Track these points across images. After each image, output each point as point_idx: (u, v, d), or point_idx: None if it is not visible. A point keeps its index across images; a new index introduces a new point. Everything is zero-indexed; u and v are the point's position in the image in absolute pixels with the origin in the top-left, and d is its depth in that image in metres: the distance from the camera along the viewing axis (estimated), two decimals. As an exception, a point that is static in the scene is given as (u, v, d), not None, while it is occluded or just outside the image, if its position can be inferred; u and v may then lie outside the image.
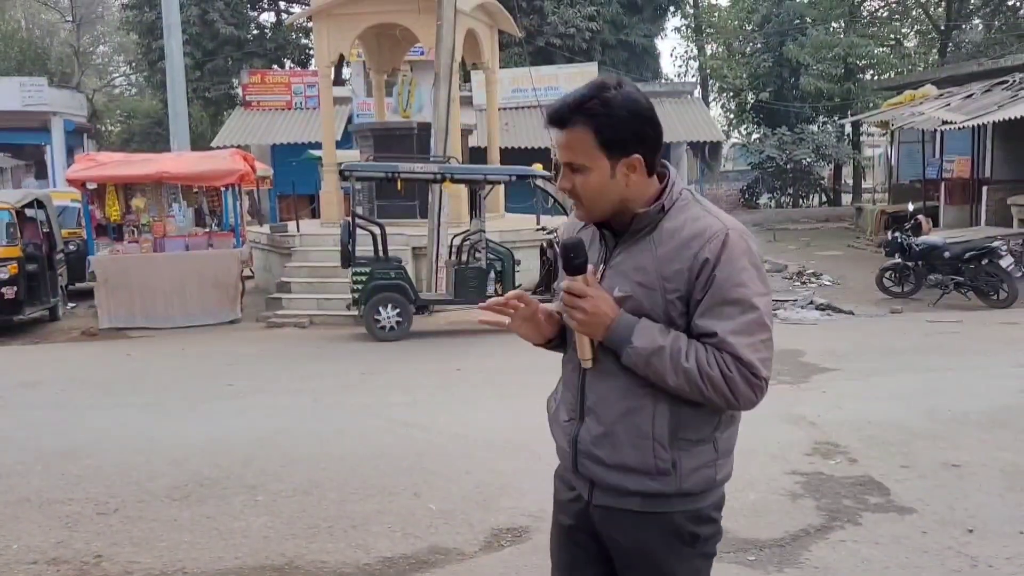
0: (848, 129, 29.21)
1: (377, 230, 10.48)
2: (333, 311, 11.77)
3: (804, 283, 14.29)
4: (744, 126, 35.28)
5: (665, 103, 24.50)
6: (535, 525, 4.42)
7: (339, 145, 16.67)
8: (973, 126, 14.64)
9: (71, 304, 13.79)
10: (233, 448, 5.96)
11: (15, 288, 11.20)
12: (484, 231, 10.61)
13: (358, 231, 10.47)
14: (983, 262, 11.24)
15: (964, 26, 30.78)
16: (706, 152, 26.27)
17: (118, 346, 10.88)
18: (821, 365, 8.16)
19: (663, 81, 30.76)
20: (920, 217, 12.80)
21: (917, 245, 11.85)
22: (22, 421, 7.06)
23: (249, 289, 13.31)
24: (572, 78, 24.41)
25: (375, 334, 10.28)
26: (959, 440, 5.67)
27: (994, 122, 14.11)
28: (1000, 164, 16.97)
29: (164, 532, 4.51)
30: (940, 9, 30.26)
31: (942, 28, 29.43)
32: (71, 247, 13.90)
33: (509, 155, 19.47)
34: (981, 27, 31.58)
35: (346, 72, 26.81)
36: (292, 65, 30.47)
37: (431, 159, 11.52)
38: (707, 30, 35.39)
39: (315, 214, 17.58)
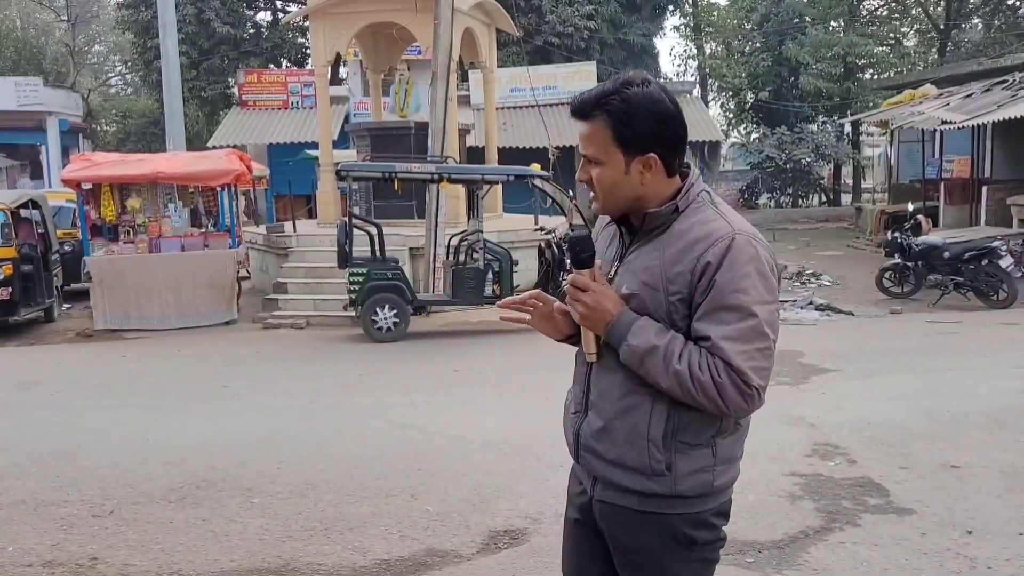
0: (847, 129, 29.21)
1: (374, 230, 10.45)
2: (330, 312, 11.74)
3: (804, 283, 14.28)
4: (743, 126, 35.27)
5: (663, 103, 24.43)
6: (532, 527, 4.40)
7: (336, 145, 16.64)
8: (973, 126, 14.63)
9: (66, 305, 13.75)
10: (229, 450, 5.93)
11: (10, 289, 11.17)
12: (482, 231, 10.59)
13: (355, 231, 10.45)
14: (983, 262, 11.23)
15: (964, 25, 30.80)
16: (705, 152, 26.23)
17: (114, 347, 10.85)
18: (820, 366, 8.14)
19: (662, 80, 30.72)
20: (920, 217, 12.79)
21: (917, 245, 11.83)
22: (17, 423, 7.03)
23: (245, 290, 13.27)
24: (570, 77, 24.46)
25: (372, 335, 10.25)
26: (958, 441, 5.65)
27: (994, 122, 14.10)
28: (1000, 164, 16.96)
29: (160, 534, 4.48)
30: (940, 8, 30.28)
31: (942, 27, 29.44)
32: (66, 248, 13.85)
33: (507, 155, 19.45)
34: (981, 26, 31.60)
35: (343, 71, 26.80)
36: (289, 64, 30.41)
37: (428, 159, 11.50)
38: (706, 29, 35.37)
39: (312, 214, 17.54)
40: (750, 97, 32.87)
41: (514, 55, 23.80)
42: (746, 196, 30.01)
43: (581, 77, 24.21)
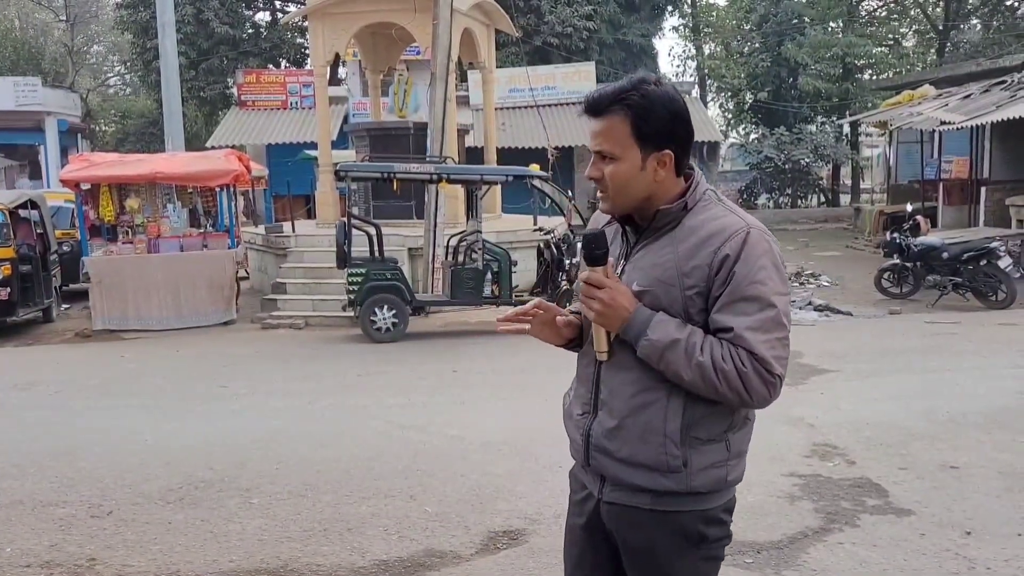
0: (846, 129, 29.22)
1: (373, 231, 10.45)
2: (329, 312, 11.74)
3: (802, 284, 14.28)
4: (742, 126, 35.28)
5: (662, 103, 24.43)
6: (531, 528, 4.40)
7: (335, 145, 16.62)
8: (971, 126, 14.63)
9: (65, 305, 13.74)
10: (228, 450, 5.93)
11: (8, 289, 11.16)
12: (481, 232, 10.58)
13: (354, 232, 10.44)
14: (981, 263, 11.23)
15: (962, 26, 30.82)
16: (704, 152, 26.23)
17: (112, 347, 10.84)
18: (819, 366, 8.14)
19: (661, 81, 30.70)
20: (919, 217, 12.79)
21: (915, 246, 11.83)
22: (15, 423, 7.02)
23: (244, 290, 13.26)
24: (569, 78, 24.47)
25: (371, 335, 10.25)
26: (957, 441, 5.65)
27: (992, 122, 14.11)
28: (998, 164, 16.97)
29: (158, 535, 4.48)
30: (938, 9, 30.30)
31: (940, 28, 29.47)
32: (65, 248, 13.84)
33: (506, 155, 19.45)
34: (979, 27, 31.63)
35: (342, 72, 26.78)
36: (288, 65, 30.41)
37: (427, 159, 11.49)
38: (705, 29, 35.38)
39: (311, 215, 17.53)
40: (749, 97, 32.87)
41: (513, 55, 23.80)
42: (745, 196, 29.98)
43: (580, 77, 24.24)
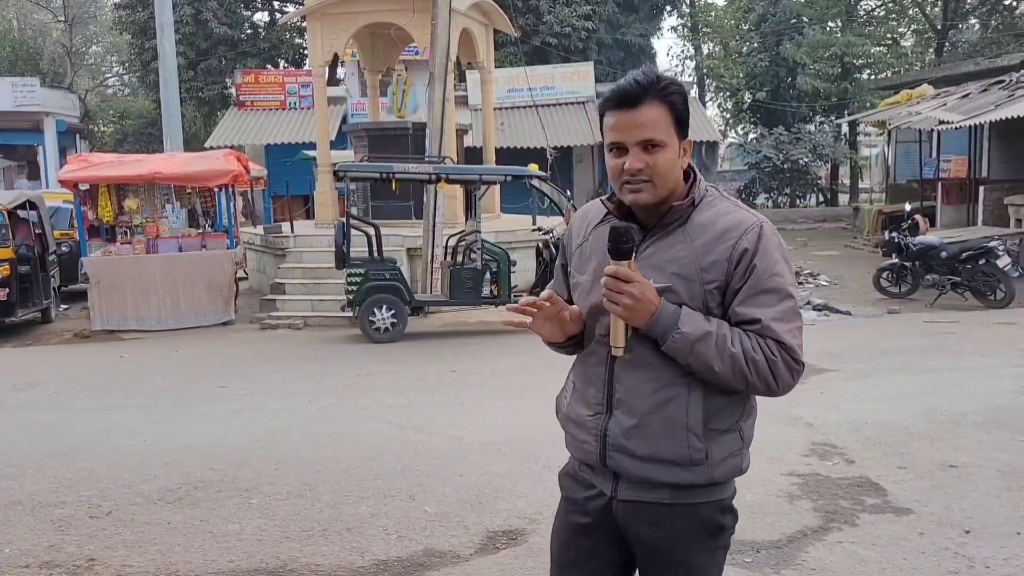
0: (845, 129, 29.24)
1: (372, 231, 10.45)
2: (327, 312, 11.74)
3: (801, 283, 14.28)
4: (741, 126, 35.32)
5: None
6: (530, 527, 4.39)
7: (334, 145, 16.62)
8: (970, 126, 14.64)
9: (64, 306, 13.74)
10: (226, 450, 5.92)
11: (7, 290, 11.15)
12: (480, 232, 10.58)
13: (353, 232, 10.44)
14: (980, 262, 11.23)
15: (961, 25, 30.84)
16: (703, 152, 26.23)
17: (111, 348, 10.83)
18: (818, 366, 8.14)
19: (659, 81, 30.71)
20: (917, 217, 12.79)
21: (914, 245, 11.84)
22: (14, 424, 7.01)
23: (243, 290, 13.26)
24: (568, 78, 24.47)
25: (370, 336, 10.25)
26: (956, 441, 5.65)
27: (991, 122, 14.12)
28: (997, 164, 16.99)
29: (157, 535, 4.47)
30: (937, 8, 30.31)
31: (939, 27, 29.48)
32: (64, 248, 13.84)
33: (505, 155, 19.44)
34: (978, 26, 31.65)
35: (341, 72, 26.75)
36: (286, 65, 30.42)
37: (426, 159, 11.49)
38: (703, 29, 35.42)
39: (309, 215, 17.52)
40: (748, 97, 32.91)
41: (512, 55, 23.81)
42: (744, 196, 29.98)
43: (579, 77, 24.25)
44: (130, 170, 12.29)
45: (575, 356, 2.16)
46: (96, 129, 36.87)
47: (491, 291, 10.46)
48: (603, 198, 2.10)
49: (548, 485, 4.88)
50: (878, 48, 30.48)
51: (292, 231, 13.87)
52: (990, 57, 21.98)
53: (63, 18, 35.94)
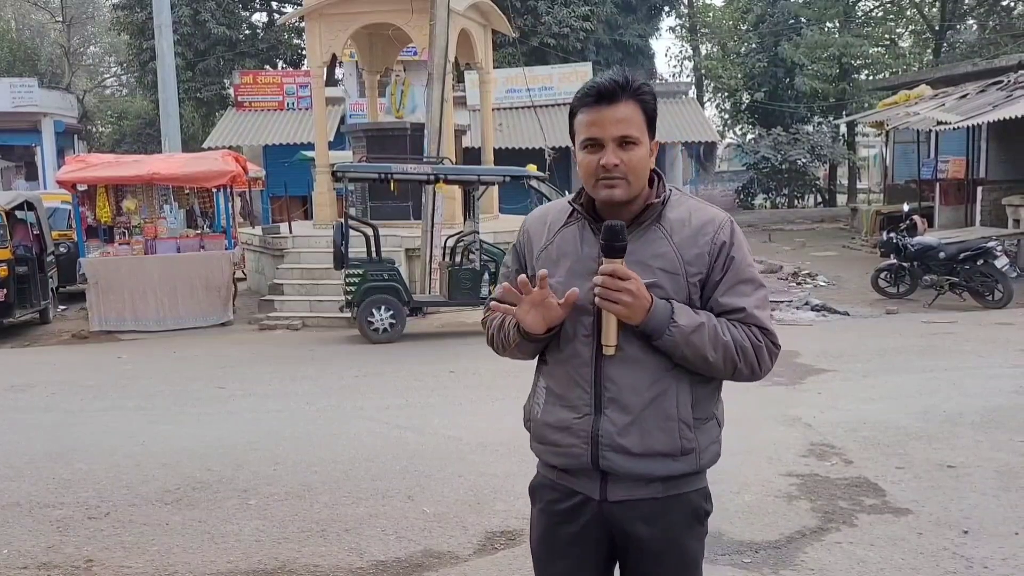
0: (843, 129, 29.27)
1: (370, 231, 10.45)
2: (326, 313, 11.73)
3: (799, 284, 14.29)
4: (739, 126, 35.32)
5: (660, 103, 23.98)
6: (529, 528, 4.39)
7: (332, 146, 16.62)
8: (968, 126, 14.65)
9: (62, 307, 13.73)
10: (225, 451, 5.91)
11: (5, 291, 11.15)
12: (478, 232, 10.58)
13: (351, 232, 10.43)
14: (978, 262, 11.25)
15: (959, 26, 30.87)
16: (701, 153, 26.29)
17: (109, 349, 10.82)
18: (816, 366, 8.15)
19: (658, 81, 30.78)
20: (915, 217, 12.81)
21: (912, 246, 11.86)
22: (12, 424, 7.01)
23: (241, 291, 13.26)
24: (566, 78, 24.47)
25: (368, 336, 10.25)
26: (954, 441, 5.65)
27: (989, 122, 14.13)
28: (995, 164, 17.00)
29: (155, 536, 4.47)
30: (935, 9, 30.33)
31: (937, 28, 29.50)
32: (62, 249, 13.83)
33: (503, 156, 19.45)
34: (975, 27, 31.68)
35: (339, 73, 26.77)
36: (284, 65, 30.42)
37: (424, 160, 11.49)
38: (702, 30, 35.46)
39: (308, 215, 17.53)
40: (746, 98, 32.94)
41: (510, 56, 23.79)
42: (742, 197, 30.03)
43: (577, 78, 24.24)
44: (128, 171, 12.29)
45: (533, 362, 2.16)
46: (94, 130, 36.88)
47: (490, 292, 10.45)
48: (569, 198, 2.10)
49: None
50: (876, 49, 30.50)
51: (290, 232, 13.87)
52: (988, 58, 22.01)
53: (61, 18, 35.92)
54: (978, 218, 15.97)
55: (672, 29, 36.89)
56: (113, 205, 12.30)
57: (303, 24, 16.96)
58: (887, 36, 32.08)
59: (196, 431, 6.55)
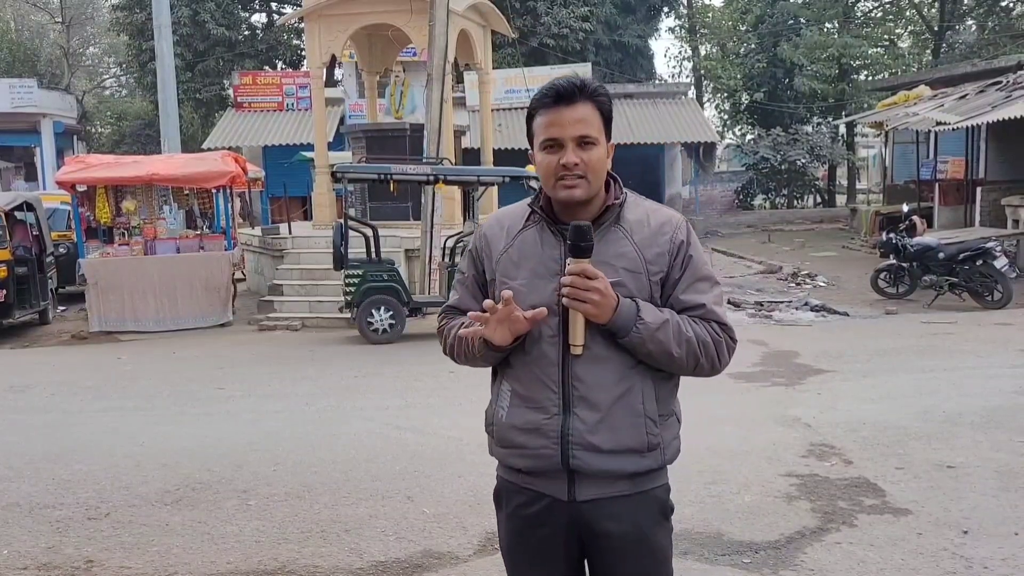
0: (842, 130, 29.26)
1: (369, 232, 10.44)
2: (325, 314, 11.73)
3: (799, 284, 14.30)
4: (738, 127, 35.29)
5: (659, 104, 24.48)
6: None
7: (331, 146, 16.62)
8: (967, 127, 14.66)
9: (61, 307, 13.73)
10: (224, 452, 5.91)
11: (4, 291, 11.15)
12: (478, 232, 10.56)
13: (350, 233, 10.43)
14: (977, 263, 11.25)
15: (958, 27, 30.89)
16: (700, 153, 26.24)
17: (108, 349, 10.82)
18: (816, 366, 8.15)
19: (657, 82, 30.78)
20: (915, 218, 12.81)
21: (912, 246, 11.86)
22: (11, 425, 7.01)
23: (240, 292, 13.26)
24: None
25: (368, 337, 10.25)
26: (954, 441, 5.65)
27: (988, 123, 14.14)
28: (994, 165, 17.01)
29: (155, 537, 4.47)
30: (934, 10, 30.34)
31: (936, 29, 29.51)
32: (61, 250, 13.83)
33: (502, 156, 19.44)
34: (975, 28, 31.69)
35: (338, 73, 26.76)
36: (284, 66, 30.41)
37: (424, 160, 11.49)
38: (701, 30, 35.46)
39: (307, 216, 17.53)
40: (745, 98, 32.92)
41: (509, 57, 23.81)
42: (741, 197, 30.03)
43: (576, 78, 24.22)
44: (128, 171, 12.29)
45: (489, 368, 2.16)
46: (93, 130, 36.86)
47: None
48: (528, 201, 2.11)
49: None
50: (875, 49, 30.48)
51: (290, 232, 13.87)
52: (987, 58, 22.02)
53: (60, 19, 35.91)
54: (977, 218, 15.98)
55: (671, 30, 36.91)
56: (112, 206, 12.30)
57: (302, 25, 16.97)
58: (886, 37, 32.07)
59: (196, 432, 6.55)
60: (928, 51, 31.02)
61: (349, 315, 10.63)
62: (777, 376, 7.78)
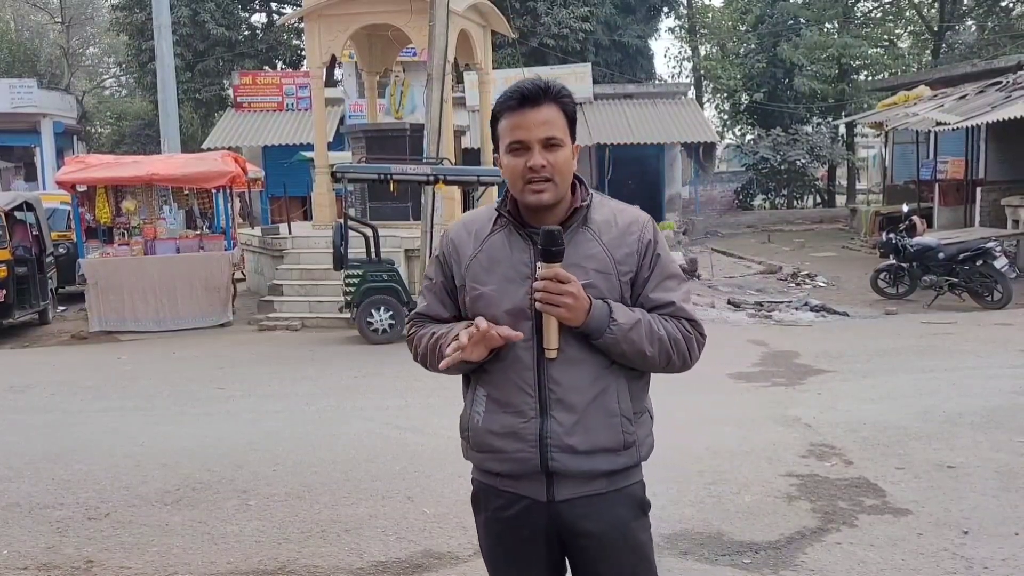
0: (842, 130, 29.24)
1: (369, 232, 10.44)
2: (325, 314, 11.73)
3: (799, 284, 14.30)
4: (738, 127, 35.27)
5: (659, 104, 24.46)
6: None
7: (331, 147, 16.60)
8: (967, 127, 14.67)
9: (61, 307, 13.73)
10: (224, 452, 5.91)
11: (4, 291, 11.16)
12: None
13: (350, 233, 10.43)
14: (977, 263, 11.26)
15: (957, 27, 30.89)
16: (700, 153, 26.22)
17: (108, 349, 10.82)
18: (816, 366, 8.15)
19: (657, 82, 30.76)
20: (915, 218, 12.82)
21: (911, 246, 11.87)
22: (11, 425, 7.01)
23: (240, 292, 13.26)
24: (566, 79, 24.41)
25: (368, 337, 10.24)
26: (954, 441, 5.65)
27: (988, 123, 14.15)
28: (994, 165, 17.02)
29: (155, 537, 4.47)
30: (933, 10, 30.34)
31: (935, 29, 29.51)
32: (61, 250, 13.84)
33: (502, 156, 19.37)
34: (974, 28, 31.70)
35: (338, 73, 26.75)
36: (284, 66, 30.38)
37: (424, 160, 11.48)
38: (701, 31, 35.44)
39: (307, 216, 17.52)
40: (745, 98, 32.91)
41: (509, 57, 23.80)
42: (741, 197, 30.01)
43: (576, 79, 24.23)
44: (127, 171, 12.29)
45: (460, 374, 2.17)
46: (93, 130, 36.85)
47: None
48: (493, 206, 2.11)
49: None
50: (875, 49, 30.46)
51: (290, 232, 13.86)
52: (987, 59, 22.01)
53: (60, 19, 35.90)
54: (977, 219, 15.99)
55: (671, 30, 36.87)
56: (112, 206, 12.30)
57: (302, 25, 16.96)
58: (886, 37, 32.06)
59: (196, 432, 6.55)
60: (928, 51, 31.02)
61: (349, 315, 10.62)
62: (777, 376, 7.79)
